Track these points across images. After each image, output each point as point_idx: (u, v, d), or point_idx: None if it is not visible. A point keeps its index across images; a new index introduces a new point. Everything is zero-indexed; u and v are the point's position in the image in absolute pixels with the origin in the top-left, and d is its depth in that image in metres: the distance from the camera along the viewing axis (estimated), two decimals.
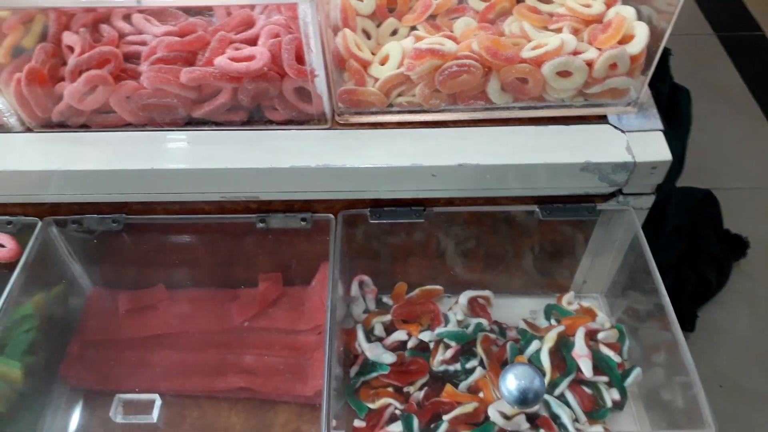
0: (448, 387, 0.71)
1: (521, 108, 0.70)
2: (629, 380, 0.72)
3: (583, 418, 0.70)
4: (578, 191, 0.71)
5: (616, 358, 0.73)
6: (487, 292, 0.80)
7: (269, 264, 0.83)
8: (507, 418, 0.67)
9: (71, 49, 0.70)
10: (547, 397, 0.70)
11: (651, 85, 0.70)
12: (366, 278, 0.80)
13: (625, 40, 0.67)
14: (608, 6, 0.70)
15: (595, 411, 0.71)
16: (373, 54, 0.71)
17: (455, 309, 0.78)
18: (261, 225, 0.75)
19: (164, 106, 0.70)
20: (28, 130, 0.73)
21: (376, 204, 0.74)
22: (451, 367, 0.72)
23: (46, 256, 0.76)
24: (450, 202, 0.74)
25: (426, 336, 0.74)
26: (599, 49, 0.67)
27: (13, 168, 0.70)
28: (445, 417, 0.69)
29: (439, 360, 0.72)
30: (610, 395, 0.71)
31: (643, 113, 0.71)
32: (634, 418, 0.74)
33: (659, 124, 0.70)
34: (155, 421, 0.70)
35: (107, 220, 0.75)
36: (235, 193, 0.72)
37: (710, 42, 1.97)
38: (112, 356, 0.78)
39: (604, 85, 0.68)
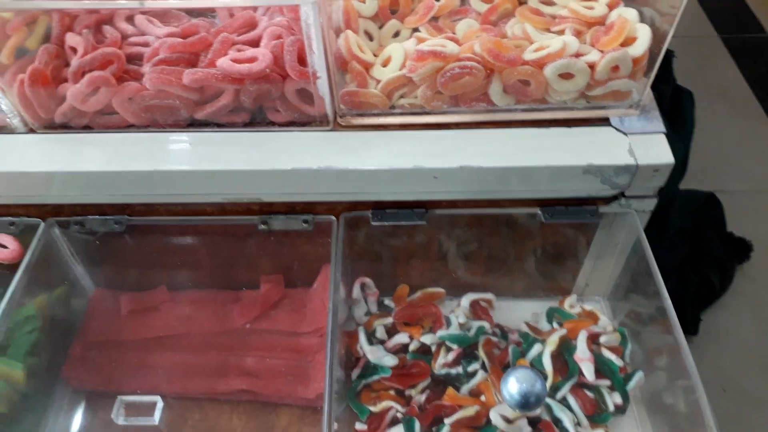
0: (450, 390, 0.71)
1: (523, 110, 0.70)
2: (631, 384, 0.72)
3: (585, 421, 0.70)
4: (580, 194, 0.71)
5: (618, 362, 0.73)
6: (489, 295, 0.80)
7: (271, 266, 0.83)
8: (509, 421, 0.67)
9: (74, 50, 0.70)
10: (548, 400, 0.69)
11: (654, 87, 0.70)
12: (368, 280, 0.80)
13: (628, 42, 0.67)
14: (611, 8, 0.70)
15: (597, 415, 0.71)
16: (375, 55, 0.71)
17: (457, 312, 0.78)
18: (263, 227, 0.75)
19: (166, 107, 0.70)
20: (31, 131, 0.73)
21: (378, 206, 0.74)
22: (453, 370, 0.72)
23: (49, 257, 0.76)
24: (452, 204, 0.74)
25: (428, 339, 0.74)
26: (601, 52, 0.67)
27: (16, 169, 0.70)
28: (447, 420, 0.68)
29: (440, 363, 0.72)
30: (612, 399, 0.71)
31: (646, 115, 0.71)
32: (636, 422, 0.74)
33: (661, 127, 0.70)
34: (157, 423, 0.70)
35: (110, 221, 0.75)
36: (236, 195, 0.72)
37: (714, 44, 1.97)
38: (114, 358, 0.78)
39: (606, 87, 0.68)
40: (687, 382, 0.63)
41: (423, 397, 0.72)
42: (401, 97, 0.70)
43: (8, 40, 0.70)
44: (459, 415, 0.68)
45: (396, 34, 0.74)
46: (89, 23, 0.71)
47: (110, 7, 0.72)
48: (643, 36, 0.66)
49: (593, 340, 0.75)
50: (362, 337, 0.75)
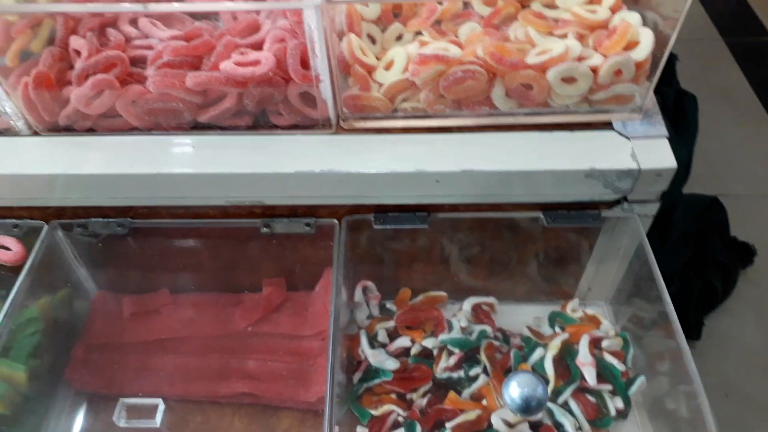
0: (452, 394, 0.71)
1: (526, 114, 0.70)
2: (633, 389, 0.72)
3: (586, 426, 0.69)
4: (583, 198, 0.71)
5: (620, 367, 0.73)
6: (491, 299, 0.80)
7: (273, 269, 0.83)
8: (510, 426, 0.67)
9: (78, 53, 0.70)
10: (550, 405, 0.69)
11: (657, 90, 0.70)
12: (370, 284, 0.80)
13: (630, 46, 0.67)
14: (613, 12, 0.70)
15: (598, 419, 0.70)
16: (378, 59, 0.71)
17: (459, 316, 0.78)
18: (265, 230, 0.75)
19: (170, 110, 0.70)
20: (35, 133, 0.74)
21: (380, 209, 0.74)
22: (455, 374, 0.72)
23: (52, 259, 0.76)
24: (454, 208, 0.74)
25: (429, 342, 0.74)
26: (604, 56, 0.67)
27: (19, 171, 0.70)
28: (448, 424, 0.68)
29: (442, 367, 0.72)
30: (614, 404, 0.71)
31: (648, 120, 0.71)
32: (638, 426, 0.73)
33: (664, 131, 0.70)
34: (158, 425, 0.69)
35: (112, 224, 0.76)
36: (239, 198, 0.72)
37: (717, 47, 1.97)
38: (116, 360, 0.78)
39: (608, 91, 0.68)
40: (689, 387, 0.63)
41: (424, 401, 0.71)
42: (404, 100, 0.70)
43: (13, 43, 0.70)
44: (460, 419, 0.68)
45: (399, 38, 0.75)
46: (93, 26, 0.72)
47: (114, 11, 0.73)
48: (646, 40, 0.66)
49: (595, 344, 0.74)
50: (364, 341, 0.75)
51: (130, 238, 0.77)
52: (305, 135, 0.71)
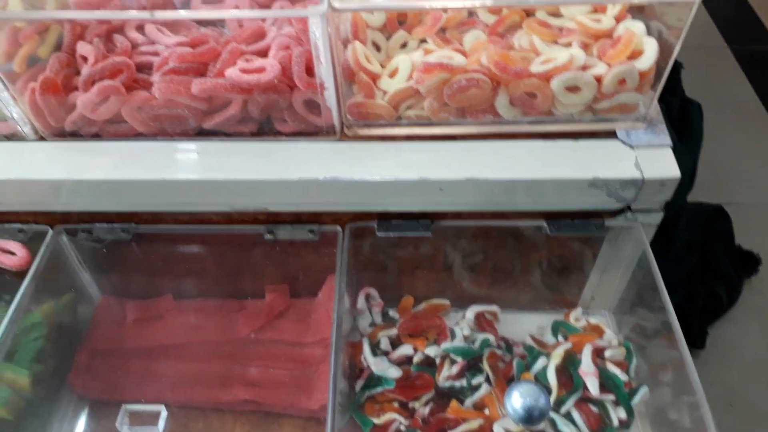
0: (454, 403, 0.71)
1: (530, 122, 0.70)
2: (636, 399, 0.71)
3: None
4: (586, 207, 0.71)
5: (623, 377, 0.72)
6: (494, 307, 0.80)
7: (276, 275, 0.83)
8: None
9: (85, 59, 0.70)
10: (553, 415, 0.69)
11: (661, 99, 0.70)
12: (372, 291, 0.80)
13: (635, 55, 0.67)
14: (618, 21, 0.70)
15: (601, 429, 0.70)
16: (382, 66, 0.72)
17: (462, 324, 0.77)
18: (269, 236, 0.75)
19: (175, 116, 0.70)
20: (41, 139, 0.74)
21: (384, 217, 0.74)
22: (457, 383, 0.72)
23: (56, 264, 0.76)
24: (458, 215, 0.74)
25: (432, 351, 0.74)
26: (608, 65, 0.67)
27: (25, 176, 0.70)
28: None
29: (445, 375, 0.72)
30: (617, 414, 0.70)
31: (653, 129, 0.71)
32: None
33: (668, 140, 0.70)
34: None
35: (117, 229, 0.76)
36: (243, 204, 0.72)
37: (723, 54, 1.96)
38: (119, 366, 0.78)
39: (612, 100, 0.68)
40: (692, 398, 0.63)
41: (427, 410, 0.71)
42: (408, 108, 0.71)
43: (20, 49, 0.70)
44: (463, 428, 0.68)
45: (404, 45, 0.75)
46: (100, 32, 0.72)
47: (121, 18, 0.73)
48: (650, 50, 0.66)
49: (598, 354, 0.74)
50: (366, 349, 0.75)
51: (135, 244, 0.77)
52: (309, 142, 0.72)
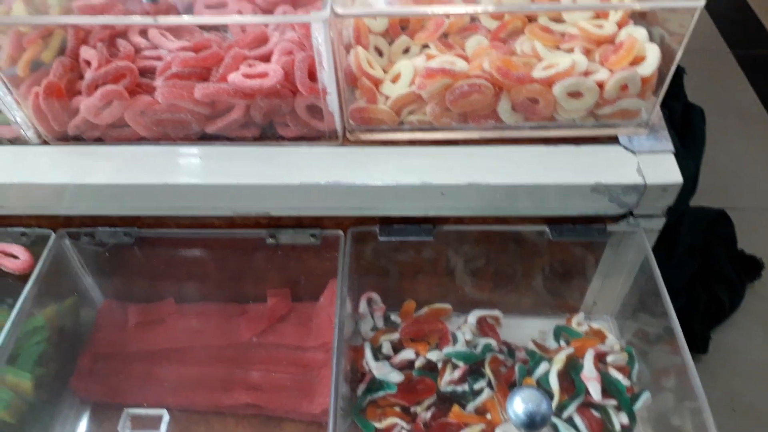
0: (456, 408, 0.71)
1: (532, 128, 0.70)
2: (638, 404, 0.71)
3: None
4: (588, 212, 0.71)
5: (626, 382, 0.72)
6: (496, 312, 0.80)
7: (278, 279, 0.83)
8: None
9: (88, 63, 0.71)
10: (555, 420, 0.69)
11: (664, 104, 0.70)
12: (374, 295, 0.80)
13: (637, 61, 0.67)
14: (620, 27, 0.70)
15: None
16: (384, 72, 0.72)
17: (464, 328, 0.77)
18: (271, 240, 0.75)
19: (178, 121, 0.70)
20: (45, 143, 0.74)
21: (386, 221, 0.74)
22: (459, 388, 0.72)
23: (59, 268, 0.76)
24: (460, 220, 0.74)
25: (434, 355, 0.74)
26: (610, 71, 0.67)
27: (28, 180, 0.71)
28: None
29: (446, 380, 0.72)
30: (619, 419, 0.70)
31: (655, 134, 0.71)
32: None
33: (670, 146, 0.70)
34: None
35: (119, 233, 0.76)
36: (245, 209, 0.72)
37: (725, 59, 1.97)
38: (121, 369, 0.78)
39: (615, 106, 0.68)
40: (694, 403, 0.62)
41: (428, 415, 0.71)
42: (410, 113, 0.71)
43: (24, 53, 0.71)
44: None
45: (406, 50, 0.75)
46: (103, 37, 0.72)
47: (125, 23, 0.73)
48: (652, 56, 0.66)
49: (600, 359, 0.74)
50: (368, 353, 0.75)
51: (137, 248, 0.78)
52: (312, 147, 0.72)
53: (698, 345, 1.20)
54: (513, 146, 0.71)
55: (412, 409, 0.72)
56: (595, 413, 0.71)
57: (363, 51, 0.70)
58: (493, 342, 0.76)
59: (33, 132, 0.73)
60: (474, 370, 0.74)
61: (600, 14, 0.71)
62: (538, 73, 0.67)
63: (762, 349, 1.24)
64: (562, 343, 0.78)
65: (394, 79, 0.70)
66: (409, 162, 0.70)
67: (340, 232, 0.75)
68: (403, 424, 0.70)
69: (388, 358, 0.76)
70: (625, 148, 0.70)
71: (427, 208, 0.71)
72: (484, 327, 0.79)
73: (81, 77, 0.71)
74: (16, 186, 0.71)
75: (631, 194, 0.67)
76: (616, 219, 0.72)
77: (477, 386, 0.72)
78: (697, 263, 1.16)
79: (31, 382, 0.71)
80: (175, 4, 0.76)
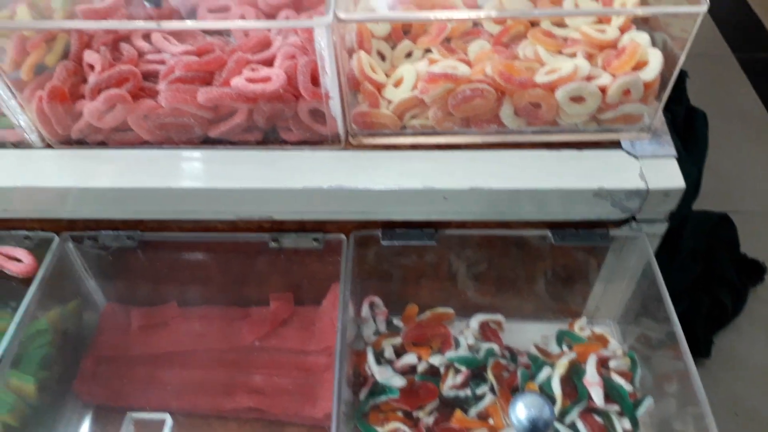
0: (458, 413, 0.71)
1: (534, 132, 0.70)
2: (641, 409, 0.71)
3: None
4: (591, 217, 0.71)
5: (628, 387, 0.72)
6: (498, 317, 0.80)
7: (281, 283, 0.83)
8: None
9: (92, 67, 0.71)
10: (557, 425, 0.69)
11: (666, 108, 0.70)
12: (377, 300, 0.80)
13: (639, 66, 0.67)
14: (622, 32, 0.70)
15: None
16: (387, 76, 0.72)
17: (466, 333, 0.77)
18: (273, 244, 0.75)
19: (181, 125, 0.71)
20: (48, 146, 0.74)
21: (388, 225, 0.74)
22: (461, 393, 0.72)
23: (62, 271, 0.77)
24: (462, 224, 0.74)
25: (436, 360, 0.74)
26: (613, 75, 0.67)
27: (32, 184, 0.71)
28: None
29: (449, 385, 0.72)
30: (621, 424, 0.70)
31: (657, 139, 0.71)
32: None
33: (673, 151, 0.70)
34: None
35: (122, 236, 0.76)
36: (248, 213, 0.72)
37: (728, 63, 1.96)
38: (123, 373, 0.78)
39: (617, 110, 0.68)
40: (697, 408, 0.62)
41: (431, 419, 0.71)
42: (413, 117, 0.71)
43: (28, 57, 0.71)
44: None
45: (409, 55, 0.75)
46: (107, 41, 0.73)
47: (128, 29, 0.74)
48: (655, 60, 0.66)
49: (603, 364, 0.74)
50: (370, 357, 0.75)
51: (140, 251, 0.78)
52: (314, 151, 0.72)
53: (701, 349, 1.19)
54: (515, 151, 0.71)
55: (415, 414, 0.72)
56: (598, 419, 0.71)
57: (366, 55, 0.70)
58: (495, 347, 0.76)
59: (36, 135, 0.74)
60: (476, 375, 0.74)
61: (602, 19, 0.71)
62: (540, 77, 0.67)
63: (765, 353, 1.24)
64: (565, 347, 0.78)
65: (397, 84, 0.71)
66: (412, 166, 0.70)
67: (343, 236, 0.75)
68: (406, 428, 0.70)
69: (390, 362, 0.76)
70: (628, 152, 0.70)
71: (429, 212, 0.71)
72: (486, 331, 0.79)
73: (84, 81, 0.72)
74: (19, 189, 0.71)
75: (634, 199, 0.67)
76: (619, 224, 0.72)
77: (479, 391, 0.72)
78: (699, 267, 1.16)
79: (34, 386, 0.72)
80: (178, 8, 0.77)
